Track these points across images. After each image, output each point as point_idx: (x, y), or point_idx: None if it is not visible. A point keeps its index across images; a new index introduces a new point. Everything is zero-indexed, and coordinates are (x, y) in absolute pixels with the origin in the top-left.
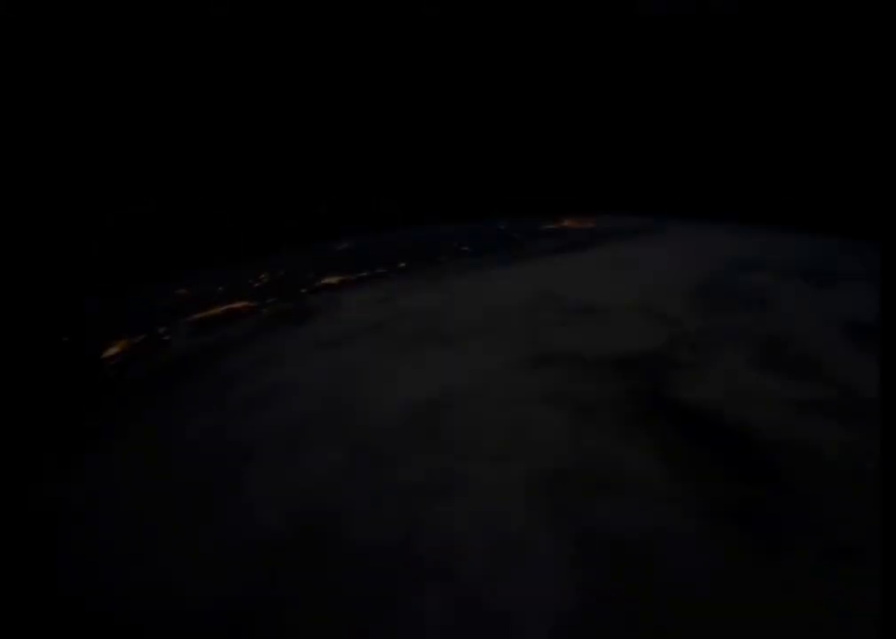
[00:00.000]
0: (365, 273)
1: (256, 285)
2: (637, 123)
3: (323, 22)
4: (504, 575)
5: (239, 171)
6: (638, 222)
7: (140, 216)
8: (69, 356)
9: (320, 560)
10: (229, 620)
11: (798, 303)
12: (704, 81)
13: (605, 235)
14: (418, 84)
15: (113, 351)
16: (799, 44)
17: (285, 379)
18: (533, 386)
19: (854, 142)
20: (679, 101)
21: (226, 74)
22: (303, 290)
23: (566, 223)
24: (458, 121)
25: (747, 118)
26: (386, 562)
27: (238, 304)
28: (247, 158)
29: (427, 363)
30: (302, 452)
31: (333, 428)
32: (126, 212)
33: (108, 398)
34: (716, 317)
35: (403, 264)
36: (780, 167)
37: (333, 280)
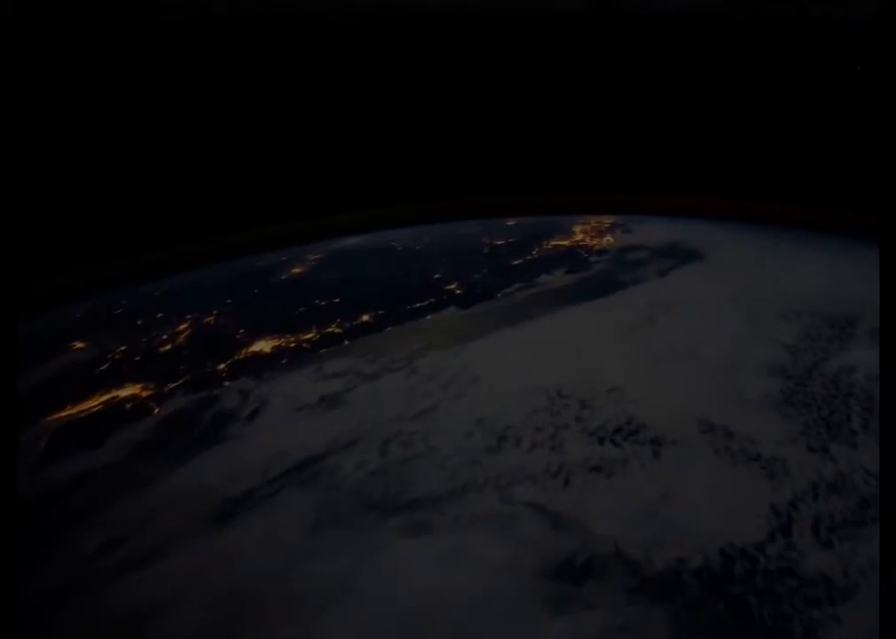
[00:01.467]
0: (311, 334)
1: (167, 347)
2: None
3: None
4: None
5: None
6: (662, 233)
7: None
8: None
9: None
10: None
11: None
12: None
13: (629, 263)
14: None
15: None
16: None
17: (147, 603)
18: None
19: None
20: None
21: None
22: (223, 365)
23: (578, 233)
24: (454, 115)
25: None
26: None
27: (128, 390)
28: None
29: (379, 580)
30: None
31: None
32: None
33: None
34: (831, 451)
35: (366, 317)
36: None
37: (266, 346)
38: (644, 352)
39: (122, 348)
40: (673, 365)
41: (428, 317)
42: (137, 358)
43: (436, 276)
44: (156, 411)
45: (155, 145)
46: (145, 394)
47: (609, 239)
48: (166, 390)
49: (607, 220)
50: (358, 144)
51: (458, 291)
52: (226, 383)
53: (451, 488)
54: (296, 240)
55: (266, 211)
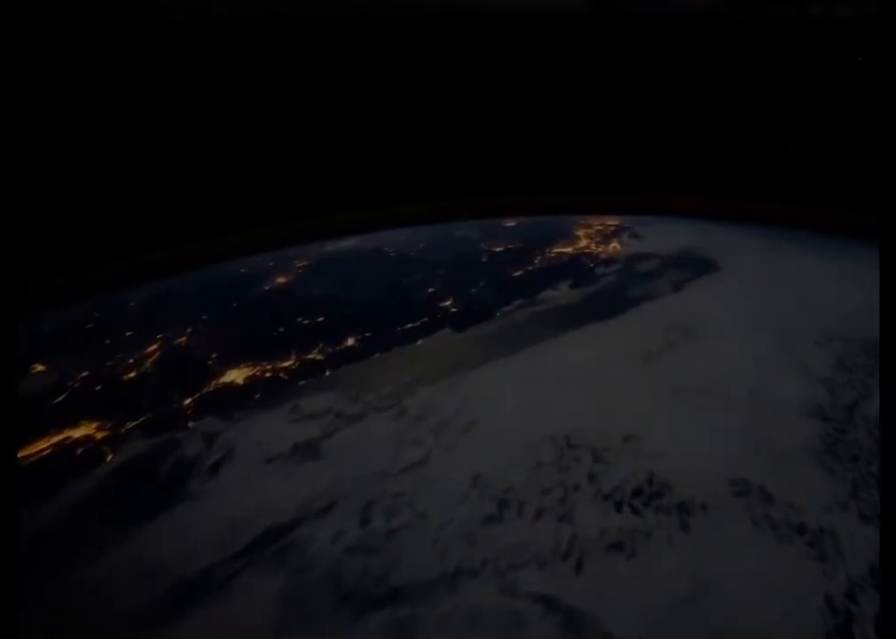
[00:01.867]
0: (289, 362)
1: (132, 374)
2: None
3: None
4: None
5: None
6: (669, 237)
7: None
8: None
9: None
10: None
11: None
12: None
13: (639, 275)
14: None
15: None
16: None
17: None
18: None
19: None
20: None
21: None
22: (189, 400)
23: (582, 238)
24: (454, 114)
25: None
26: None
27: (82, 430)
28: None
29: None
30: None
31: None
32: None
33: None
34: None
35: (351, 340)
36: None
37: (239, 376)
38: (663, 388)
39: (84, 374)
40: (696, 404)
41: (420, 342)
42: (98, 388)
43: (430, 290)
44: (109, 458)
45: (155, 146)
46: (100, 435)
47: (615, 245)
48: (123, 430)
49: (611, 222)
50: (358, 144)
51: (453, 309)
52: (191, 424)
53: (443, 572)
54: (295, 241)
55: (265, 211)
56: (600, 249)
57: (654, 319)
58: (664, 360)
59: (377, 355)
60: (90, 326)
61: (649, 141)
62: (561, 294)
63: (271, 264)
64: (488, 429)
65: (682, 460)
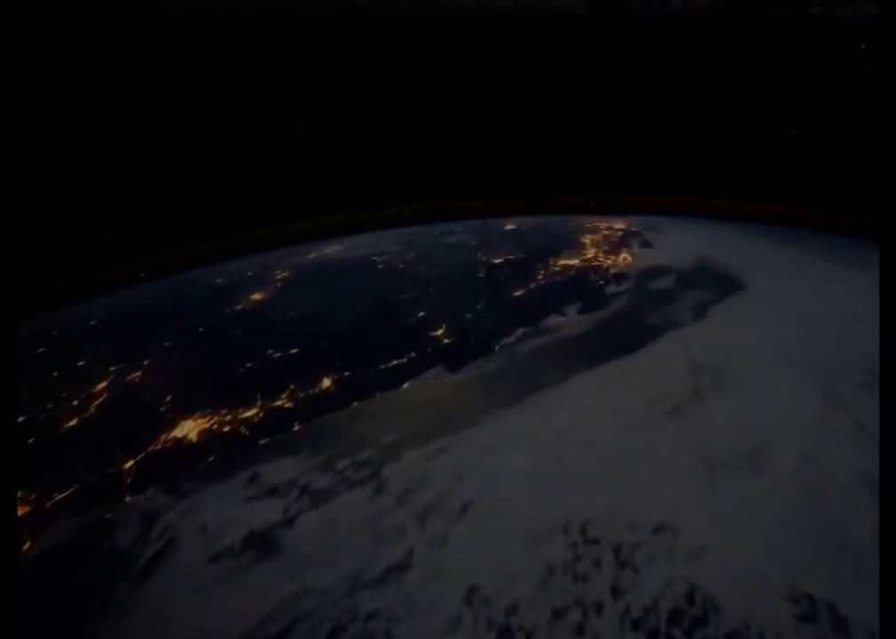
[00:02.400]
0: (254, 410)
1: (73, 422)
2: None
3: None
4: None
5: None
6: (681, 245)
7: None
8: None
9: None
10: None
11: None
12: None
13: (655, 296)
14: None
15: None
16: None
17: None
18: None
19: None
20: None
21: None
22: (131, 462)
23: (588, 246)
24: (454, 115)
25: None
26: None
27: None
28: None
29: None
30: None
31: None
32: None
33: None
34: None
35: (327, 382)
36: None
37: (193, 429)
38: (695, 456)
39: (20, 419)
40: (737, 478)
41: (406, 385)
42: (31, 441)
43: (421, 314)
44: (27, 545)
45: (154, 146)
46: (21, 511)
47: (625, 256)
48: (49, 504)
49: (618, 226)
50: (358, 144)
51: (446, 340)
52: (129, 499)
53: None
54: (293, 241)
55: (264, 211)
56: (608, 261)
57: (677, 356)
58: (693, 415)
59: (356, 403)
60: (42, 350)
61: (649, 141)
62: (568, 320)
63: (251, 273)
64: (486, 515)
65: (726, 562)
